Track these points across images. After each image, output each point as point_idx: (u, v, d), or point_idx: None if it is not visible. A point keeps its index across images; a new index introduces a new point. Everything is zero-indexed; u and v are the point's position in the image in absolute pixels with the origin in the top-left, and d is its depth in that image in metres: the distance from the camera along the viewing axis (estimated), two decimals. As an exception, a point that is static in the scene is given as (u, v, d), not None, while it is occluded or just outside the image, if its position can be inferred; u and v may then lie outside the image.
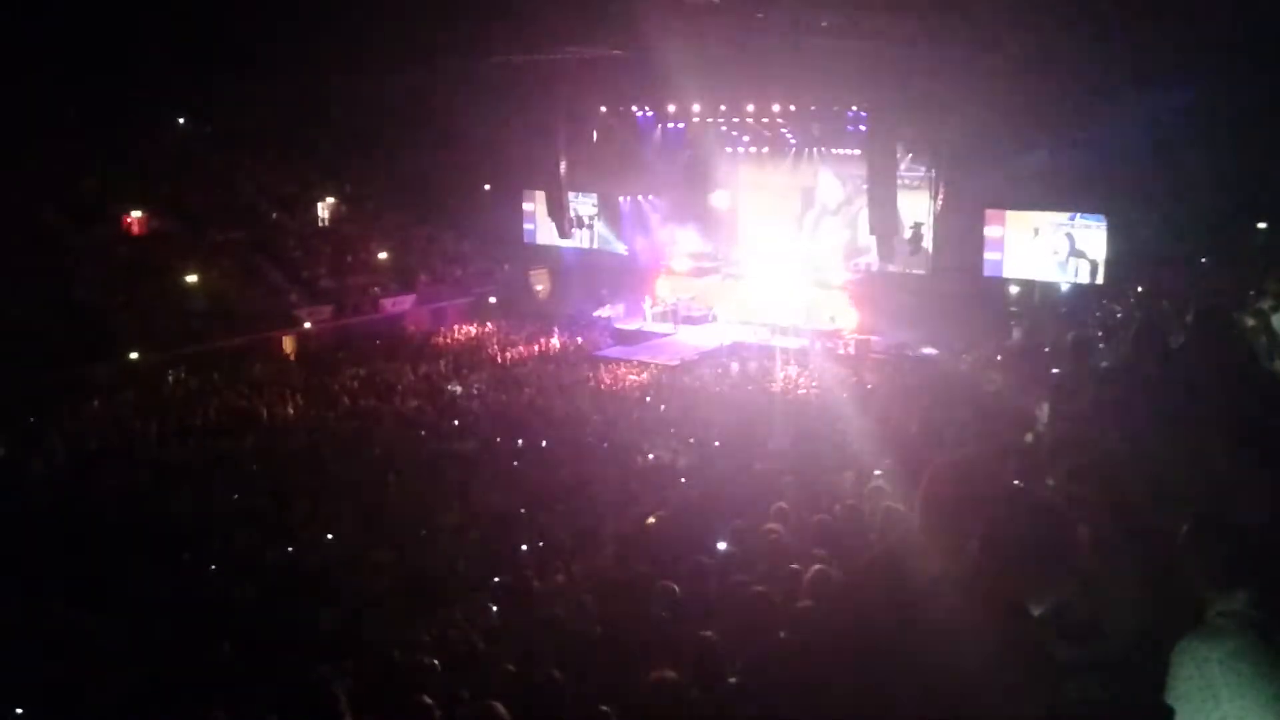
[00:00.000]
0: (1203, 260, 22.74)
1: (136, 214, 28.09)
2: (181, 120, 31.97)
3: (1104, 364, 7.78)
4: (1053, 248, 25.97)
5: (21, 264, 24.52)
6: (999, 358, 15.65)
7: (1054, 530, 2.71)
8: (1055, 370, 8.43)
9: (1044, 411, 6.85)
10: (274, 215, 31.60)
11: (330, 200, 32.97)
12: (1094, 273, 25.31)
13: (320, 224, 32.74)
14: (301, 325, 27.64)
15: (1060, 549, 2.69)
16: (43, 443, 18.01)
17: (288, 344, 27.04)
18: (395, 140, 32.22)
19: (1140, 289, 24.31)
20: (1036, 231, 26.12)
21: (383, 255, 31.78)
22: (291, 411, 20.51)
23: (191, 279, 26.48)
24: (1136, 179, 22.22)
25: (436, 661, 7.14)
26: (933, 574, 2.68)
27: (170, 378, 23.26)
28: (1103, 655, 2.99)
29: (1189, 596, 2.92)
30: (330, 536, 12.67)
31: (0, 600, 10.18)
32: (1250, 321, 7.34)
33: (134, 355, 23.41)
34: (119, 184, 28.70)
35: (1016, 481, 3.71)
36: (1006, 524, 2.68)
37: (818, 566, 5.89)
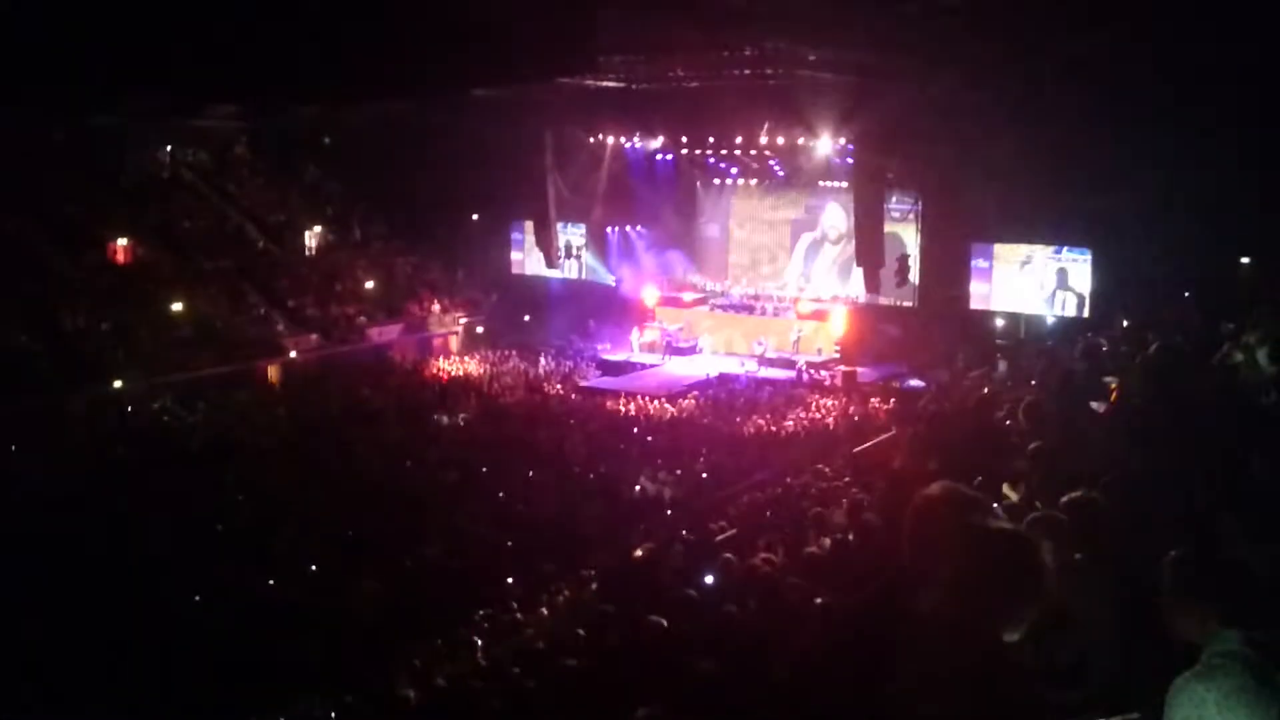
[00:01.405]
0: (1186, 295, 22.87)
1: (123, 242, 28.00)
2: (169, 148, 31.94)
3: (1092, 402, 7.81)
4: (1039, 281, 26.10)
5: (7, 290, 24.44)
6: (985, 390, 15.66)
7: (1017, 554, 2.69)
8: (1040, 401, 8.45)
9: (1029, 442, 6.87)
10: (261, 244, 31.57)
11: (317, 229, 32.96)
12: (1080, 306, 25.42)
13: (307, 253, 32.70)
14: (288, 354, 27.54)
15: (1024, 572, 2.67)
16: (25, 470, 17.89)
17: (273, 373, 26.93)
18: (383, 170, 32.26)
19: (1126, 323, 24.44)
20: (1022, 264, 26.24)
21: (370, 284, 31.74)
22: (276, 441, 20.40)
23: (178, 307, 26.40)
24: (1121, 212, 22.36)
25: (413, 694, 7.08)
26: (922, 612, 2.66)
27: (155, 405, 23.12)
28: (1092, 696, 2.97)
29: (1176, 635, 2.90)
30: (314, 567, 12.58)
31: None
32: (1238, 356, 7.36)
33: (119, 383, 23.28)
34: (106, 211, 28.65)
35: (997, 508, 3.70)
36: (969, 552, 2.66)
37: (818, 601, 5.84)
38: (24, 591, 10.91)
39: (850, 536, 7.91)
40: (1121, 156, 21.54)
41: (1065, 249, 25.60)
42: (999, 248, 26.64)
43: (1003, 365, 25.64)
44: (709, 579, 8.13)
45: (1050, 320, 26.27)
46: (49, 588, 11.14)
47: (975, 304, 27.07)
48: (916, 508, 2.84)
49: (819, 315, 29.53)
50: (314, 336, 28.64)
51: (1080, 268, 25.41)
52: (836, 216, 30.51)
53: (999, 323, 27.06)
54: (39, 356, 23.13)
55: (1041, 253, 26.02)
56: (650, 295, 32.18)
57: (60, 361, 23.18)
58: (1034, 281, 26.15)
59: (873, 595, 3.33)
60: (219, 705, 8.72)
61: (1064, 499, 4.20)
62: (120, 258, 28.01)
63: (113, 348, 24.32)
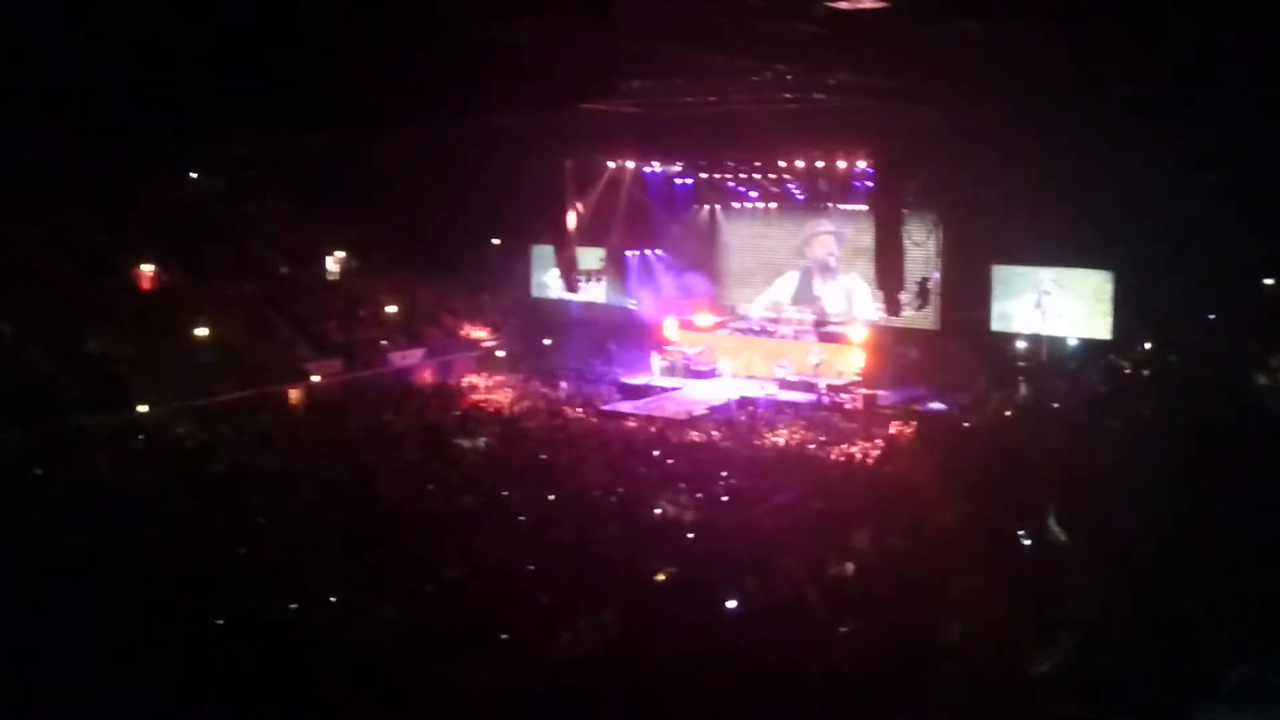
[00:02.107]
0: (1210, 316, 22.75)
1: (147, 268, 28.25)
2: (194, 175, 32.25)
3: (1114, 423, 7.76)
4: (1060, 303, 25.99)
5: (33, 314, 24.69)
6: (1008, 413, 15.63)
7: (1050, 582, 2.68)
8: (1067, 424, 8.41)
9: (1053, 465, 6.84)
10: (284, 269, 31.78)
11: (340, 254, 33.18)
12: (1102, 327, 25.28)
13: (330, 278, 32.91)
14: (310, 379, 27.68)
15: (1052, 600, 2.66)
16: (50, 494, 18.01)
17: (295, 397, 27.05)
18: (404, 195, 32.47)
19: (1148, 344, 24.31)
20: (1043, 286, 26.15)
21: (391, 309, 31.89)
22: (298, 465, 20.46)
23: (201, 332, 26.58)
24: (1144, 233, 22.27)
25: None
26: (949, 640, 2.65)
27: (178, 430, 23.26)
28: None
29: (1205, 659, 2.88)
30: (335, 591, 12.59)
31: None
32: (1261, 379, 7.31)
33: (143, 408, 23.44)
34: (130, 238, 28.94)
35: (1021, 533, 3.68)
36: (1002, 578, 2.65)
37: (844, 629, 5.83)
38: (45, 614, 10.95)
39: (873, 560, 7.89)
40: (1143, 177, 21.49)
41: (1088, 270, 25.49)
42: (1020, 269, 26.57)
43: (1024, 387, 25.55)
44: (731, 603, 8.12)
45: (1072, 342, 26.15)
46: (70, 611, 11.18)
47: (996, 326, 26.97)
48: (944, 533, 2.82)
49: (839, 338, 29.48)
50: (336, 361, 28.77)
51: (1103, 289, 25.29)
52: (855, 238, 30.47)
53: (1020, 345, 26.95)
54: (63, 381, 23.32)
55: (1061, 274, 25.92)
56: (669, 319, 32.23)
57: (85, 386, 23.37)
58: (1054, 302, 26.05)
59: (898, 621, 3.33)
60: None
61: (1091, 525, 4.18)
62: (144, 283, 28.25)
63: (136, 372, 24.48)
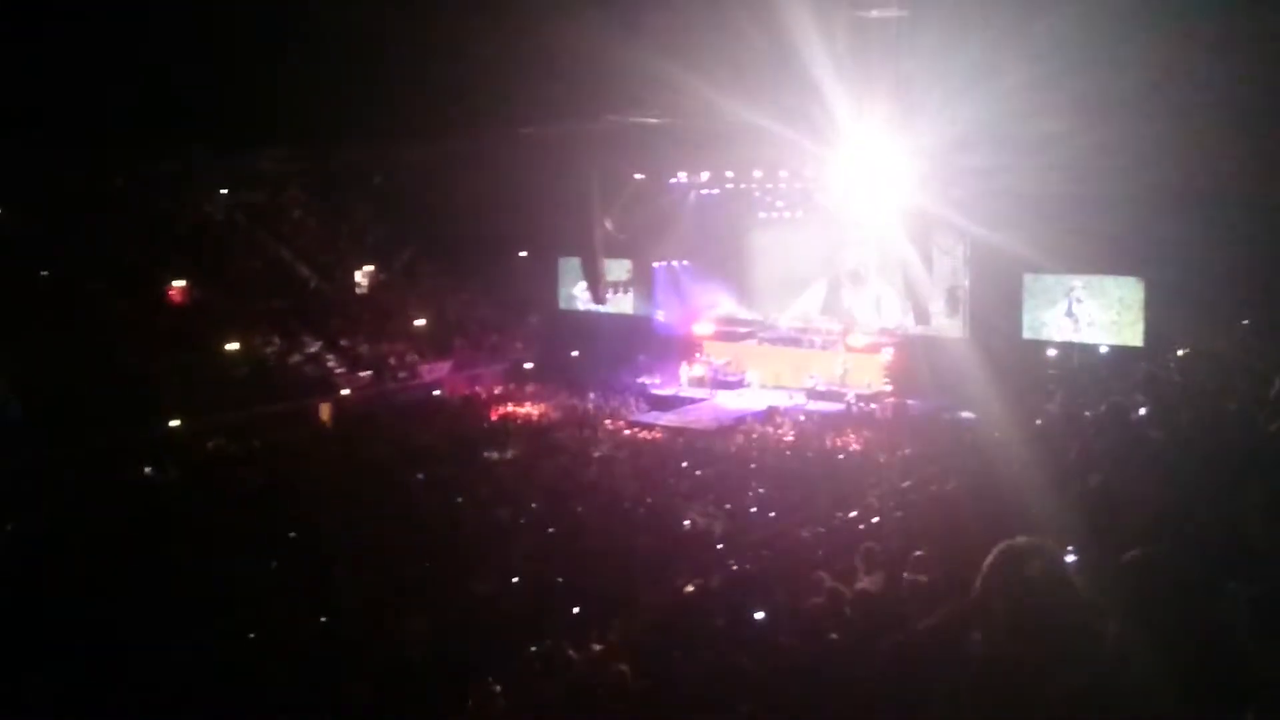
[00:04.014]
0: (1244, 323, 22.42)
1: (179, 283, 28.56)
2: (224, 191, 32.58)
3: (1151, 434, 7.66)
4: (1091, 310, 25.79)
5: (68, 330, 25.00)
6: (1038, 423, 15.45)
7: (1072, 609, 2.63)
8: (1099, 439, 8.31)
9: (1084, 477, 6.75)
10: (313, 284, 32.03)
11: (368, 269, 33.39)
12: (1134, 335, 25.05)
13: (359, 292, 33.13)
14: (340, 392, 27.85)
15: (1079, 630, 2.60)
16: (82, 507, 18.19)
17: (326, 411, 27.22)
18: (432, 208, 32.67)
19: (1181, 352, 24.00)
20: (1075, 294, 25.95)
21: (420, 322, 32.05)
22: (329, 478, 20.57)
23: (232, 347, 26.81)
24: (1176, 239, 22.02)
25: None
26: (978, 655, 2.61)
27: (210, 444, 23.45)
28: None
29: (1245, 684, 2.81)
30: (365, 605, 12.62)
31: (30, 663, 10.21)
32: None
33: (174, 422, 23.65)
34: (163, 253, 29.26)
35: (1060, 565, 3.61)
36: (1026, 602, 2.61)
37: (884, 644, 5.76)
38: (78, 626, 11.05)
39: (903, 573, 7.81)
40: (1175, 182, 21.26)
41: (1119, 278, 25.28)
42: (1051, 277, 26.39)
43: (1056, 396, 25.27)
44: (759, 615, 8.07)
45: (1104, 350, 25.92)
46: (102, 624, 11.27)
47: (1027, 334, 26.79)
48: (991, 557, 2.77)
49: (868, 348, 29.36)
50: (366, 374, 28.94)
51: (1134, 296, 25.07)
52: (886, 247, 30.32)
53: (1051, 353, 26.74)
54: (97, 395, 23.57)
55: (1092, 281, 25.72)
56: (697, 329, 32.21)
57: (118, 400, 23.61)
58: (1085, 310, 25.84)
59: (928, 635, 3.29)
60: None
61: (1124, 558, 4.10)
62: (177, 299, 28.56)
63: (169, 387, 24.72)
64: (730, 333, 32.28)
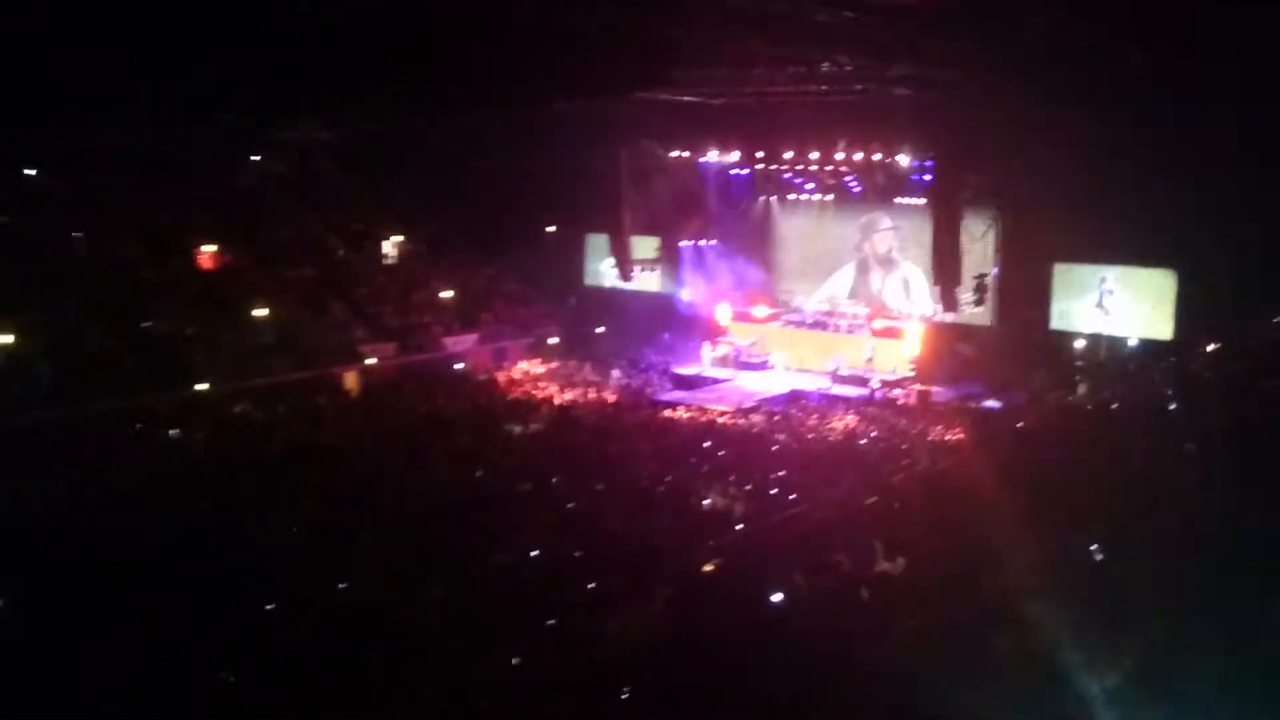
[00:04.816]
0: (1276, 320, 22.20)
1: (209, 249, 28.72)
2: (255, 159, 32.69)
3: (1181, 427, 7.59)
4: (1122, 302, 25.53)
5: (99, 294, 25.23)
6: (1065, 413, 15.40)
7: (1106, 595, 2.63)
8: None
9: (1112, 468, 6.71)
10: (341, 253, 32.14)
11: (396, 239, 33.48)
12: (1164, 327, 24.78)
13: (386, 262, 33.23)
14: (365, 361, 27.98)
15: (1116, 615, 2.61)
16: (109, 468, 18.41)
17: (350, 380, 27.36)
18: (461, 181, 32.66)
19: (1211, 345, 23.79)
20: (1106, 285, 25.69)
21: (446, 294, 32.12)
22: (352, 447, 20.69)
23: (260, 314, 26.97)
24: (1210, 231, 21.76)
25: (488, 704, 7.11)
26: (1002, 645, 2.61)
27: (236, 409, 23.63)
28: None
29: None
30: (385, 572, 12.72)
31: (59, 619, 10.36)
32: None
33: (202, 386, 23.85)
34: (193, 219, 29.42)
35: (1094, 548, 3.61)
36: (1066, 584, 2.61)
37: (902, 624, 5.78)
38: (100, 590, 11.19)
39: (923, 556, 7.82)
40: (1210, 171, 20.97)
41: (1150, 268, 25.00)
42: (1082, 267, 26.14)
43: (1082, 388, 25.14)
44: (776, 596, 8.08)
45: (1132, 343, 25.69)
46: (124, 587, 11.40)
47: (1056, 324, 26.56)
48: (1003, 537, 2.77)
49: (893, 333, 29.23)
50: (390, 345, 29.06)
51: (1165, 288, 24.79)
52: (911, 233, 30.15)
53: (1079, 344, 26.53)
54: (127, 359, 23.80)
55: (1123, 272, 25.46)
56: (723, 310, 32.15)
57: (147, 364, 23.83)
58: (1115, 301, 25.60)
59: (948, 621, 3.29)
60: (286, 707, 8.84)
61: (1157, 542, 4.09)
62: (206, 265, 28.73)
63: (197, 352, 24.92)
64: (756, 314, 32.19)
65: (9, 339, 22.22)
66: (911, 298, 30.36)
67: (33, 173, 27.47)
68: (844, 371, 28.33)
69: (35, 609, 11.02)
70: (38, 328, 22.96)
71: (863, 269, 31.68)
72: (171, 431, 21.58)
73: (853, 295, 31.60)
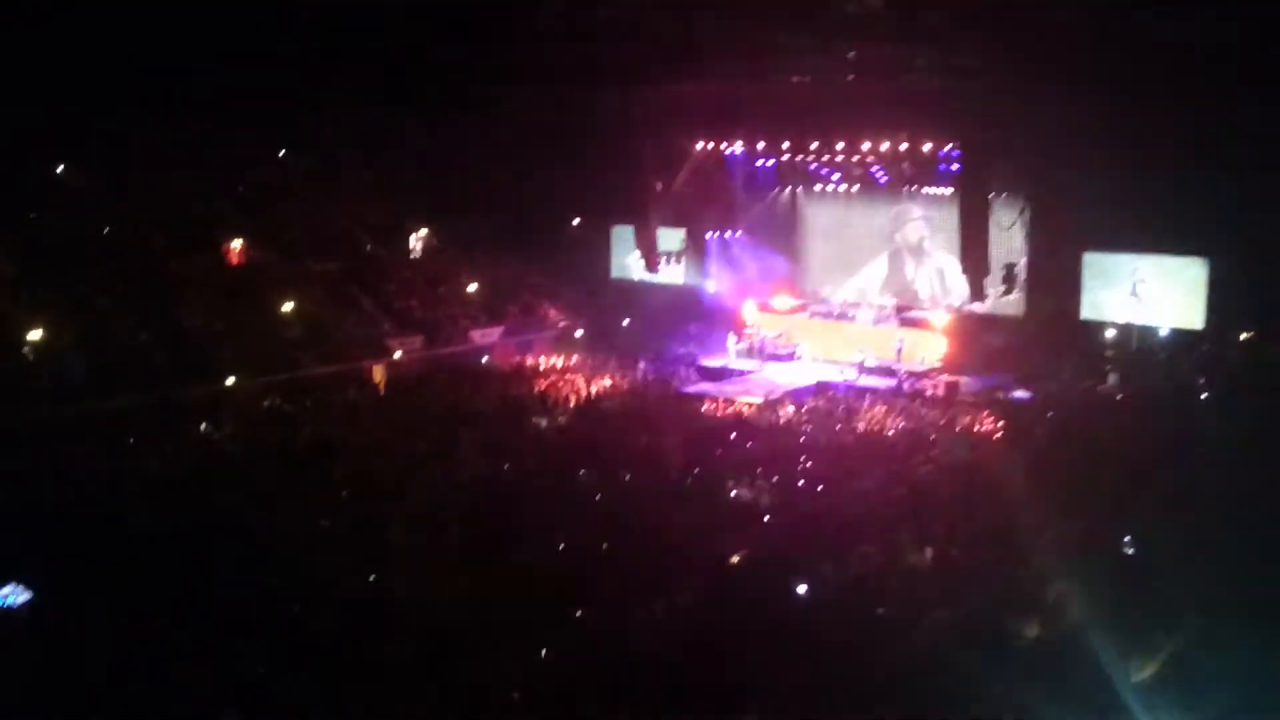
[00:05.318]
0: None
1: (237, 243, 28.90)
2: (281, 153, 32.83)
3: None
4: (1151, 291, 25.22)
5: (128, 288, 25.44)
6: (1096, 404, 15.26)
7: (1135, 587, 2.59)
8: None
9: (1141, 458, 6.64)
10: (368, 247, 32.26)
11: (422, 233, 33.56)
12: (1195, 316, 24.46)
13: (412, 256, 33.32)
14: (392, 355, 28.07)
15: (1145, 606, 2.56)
16: (139, 461, 18.54)
17: (378, 373, 27.46)
18: (487, 174, 32.69)
19: (1244, 335, 23.49)
20: (1139, 274, 25.37)
21: (472, 287, 32.17)
22: (380, 440, 20.75)
23: (288, 307, 27.10)
24: (1242, 220, 21.47)
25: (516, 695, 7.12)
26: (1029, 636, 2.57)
27: (264, 403, 23.76)
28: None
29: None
30: (413, 564, 12.75)
31: (90, 611, 10.44)
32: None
33: (231, 380, 23.99)
34: (221, 213, 29.61)
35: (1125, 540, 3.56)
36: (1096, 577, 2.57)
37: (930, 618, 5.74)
38: (131, 583, 11.27)
39: (952, 549, 7.76)
40: (1242, 158, 20.70)
41: (1182, 258, 24.69)
42: (1111, 256, 25.85)
43: (1113, 378, 24.90)
44: (801, 588, 8.05)
45: (1163, 332, 25.39)
46: (155, 579, 11.48)
47: (1086, 314, 26.27)
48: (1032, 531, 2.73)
49: (921, 324, 29.04)
50: (417, 338, 29.15)
51: (1197, 277, 24.47)
52: (939, 223, 29.93)
53: (1110, 334, 26.26)
54: (155, 352, 23.97)
55: (1154, 261, 25.16)
56: (749, 302, 32.05)
57: (175, 358, 23.99)
58: (1146, 290, 25.29)
59: (975, 613, 3.25)
60: (313, 700, 8.88)
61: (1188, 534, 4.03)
62: (234, 259, 28.91)
63: (225, 346, 25.08)
64: (782, 305, 32.06)
65: (41, 333, 22.43)
66: (946, 287, 30.15)
67: (61, 168, 27.71)
68: (871, 363, 28.17)
69: (69, 601, 11.12)
70: (68, 322, 23.17)
71: (896, 260, 31.49)
72: (202, 425, 21.71)
73: (886, 286, 31.42)
